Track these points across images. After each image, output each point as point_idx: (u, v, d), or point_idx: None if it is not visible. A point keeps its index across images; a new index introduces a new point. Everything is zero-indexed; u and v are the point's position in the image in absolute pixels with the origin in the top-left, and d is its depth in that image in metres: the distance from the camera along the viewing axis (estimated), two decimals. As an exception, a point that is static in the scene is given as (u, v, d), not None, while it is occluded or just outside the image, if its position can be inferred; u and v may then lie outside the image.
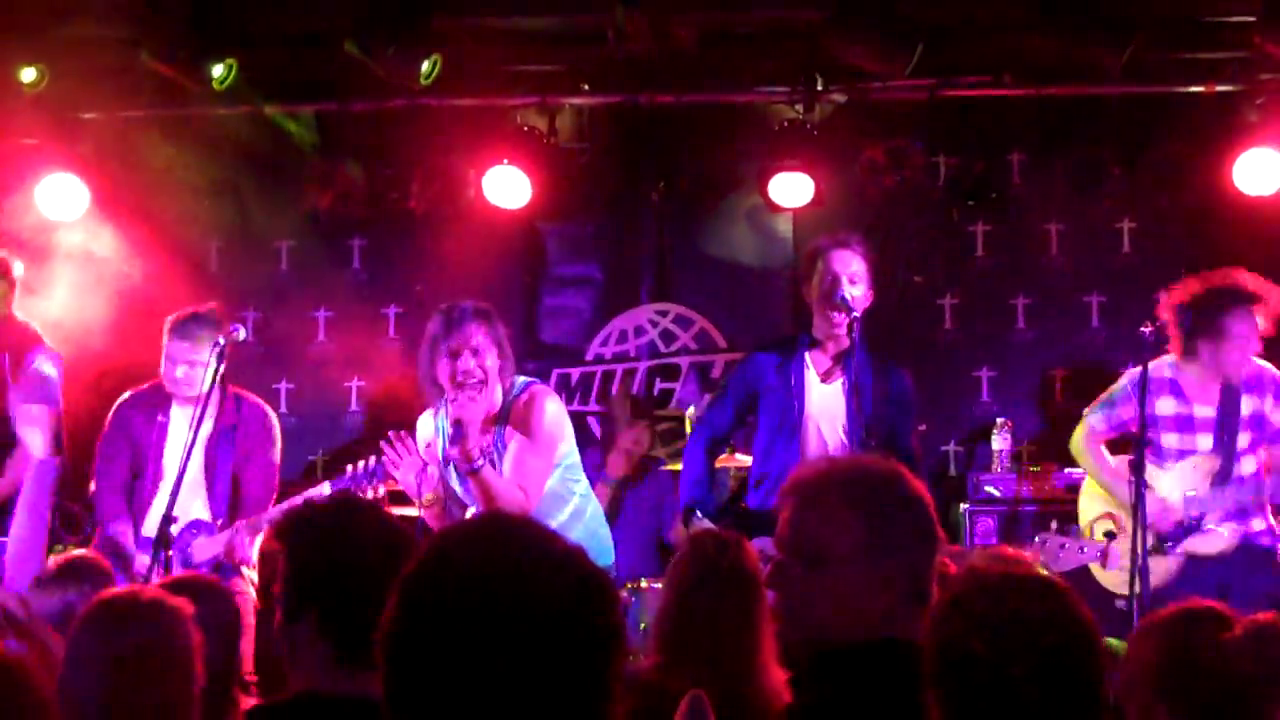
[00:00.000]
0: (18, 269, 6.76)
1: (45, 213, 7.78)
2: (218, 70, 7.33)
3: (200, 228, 8.60)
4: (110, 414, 6.56)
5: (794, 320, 7.99)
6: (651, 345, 8.66)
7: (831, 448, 6.15)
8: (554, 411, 5.84)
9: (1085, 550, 6.26)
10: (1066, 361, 8.38)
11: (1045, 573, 4.26)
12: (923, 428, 8.11)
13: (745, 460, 6.75)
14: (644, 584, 6.13)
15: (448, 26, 7.35)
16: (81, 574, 4.56)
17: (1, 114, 7.62)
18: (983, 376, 8.47)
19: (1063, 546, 6.22)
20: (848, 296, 6.03)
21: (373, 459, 5.95)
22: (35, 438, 6.09)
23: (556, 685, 1.84)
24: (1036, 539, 6.24)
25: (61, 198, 7.79)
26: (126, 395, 6.58)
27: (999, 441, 7.79)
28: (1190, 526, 6.33)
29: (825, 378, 6.23)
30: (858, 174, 7.91)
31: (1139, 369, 6.07)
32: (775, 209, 8.06)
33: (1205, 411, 6.41)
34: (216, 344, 5.92)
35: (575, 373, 8.64)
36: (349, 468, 6.11)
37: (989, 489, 7.60)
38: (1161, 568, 6.21)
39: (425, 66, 7.26)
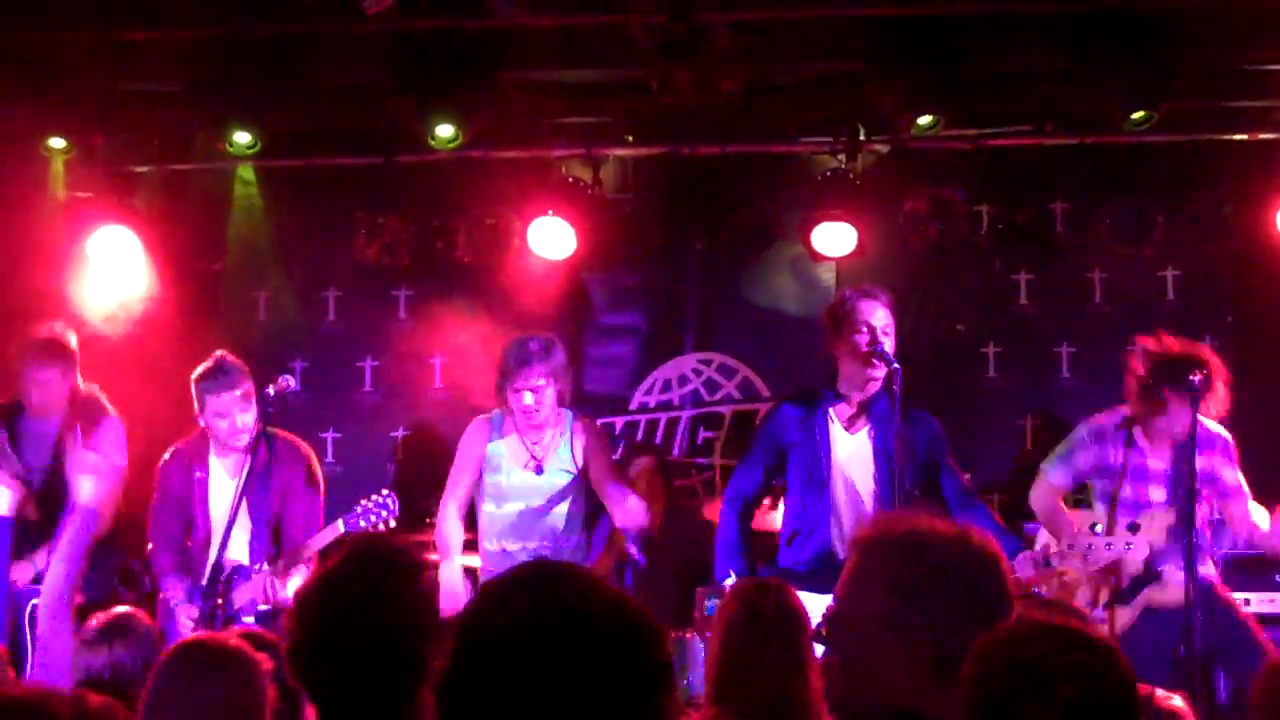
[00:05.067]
0: (73, 340, 6.85)
1: (99, 264, 7.89)
2: (243, 138, 7.40)
3: (248, 278, 8.70)
4: (157, 473, 6.63)
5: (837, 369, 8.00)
6: (695, 394, 8.67)
7: (864, 498, 6.16)
8: None
9: (1111, 546, 6.21)
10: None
11: (1083, 624, 4.24)
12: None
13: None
14: (683, 634, 6.10)
15: (493, 80, 7.41)
16: (127, 631, 4.55)
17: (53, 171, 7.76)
18: (1027, 425, 8.45)
19: (1090, 546, 6.16)
20: (886, 349, 6.06)
21: (383, 491, 6.18)
22: (86, 484, 6.24)
23: None
24: (1074, 543, 6.17)
25: (114, 249, 7.90)
26: (168, 454, 6.64)
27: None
28: (1150, 578, 6.33)
29: (849, 427, 6.24)
30: (900, 223, 7.93)
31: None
32: (818, 258, 8.07)
33: (1158, 464, 6.44)
34: (266, 395, 6.03)
35: (619, 422, 8.65)
36: (360, 504, 6.23)
37: (1036, 537, 7.55)
38: (1123, 619, 6.29)
39: (447, 133, 7.30)
